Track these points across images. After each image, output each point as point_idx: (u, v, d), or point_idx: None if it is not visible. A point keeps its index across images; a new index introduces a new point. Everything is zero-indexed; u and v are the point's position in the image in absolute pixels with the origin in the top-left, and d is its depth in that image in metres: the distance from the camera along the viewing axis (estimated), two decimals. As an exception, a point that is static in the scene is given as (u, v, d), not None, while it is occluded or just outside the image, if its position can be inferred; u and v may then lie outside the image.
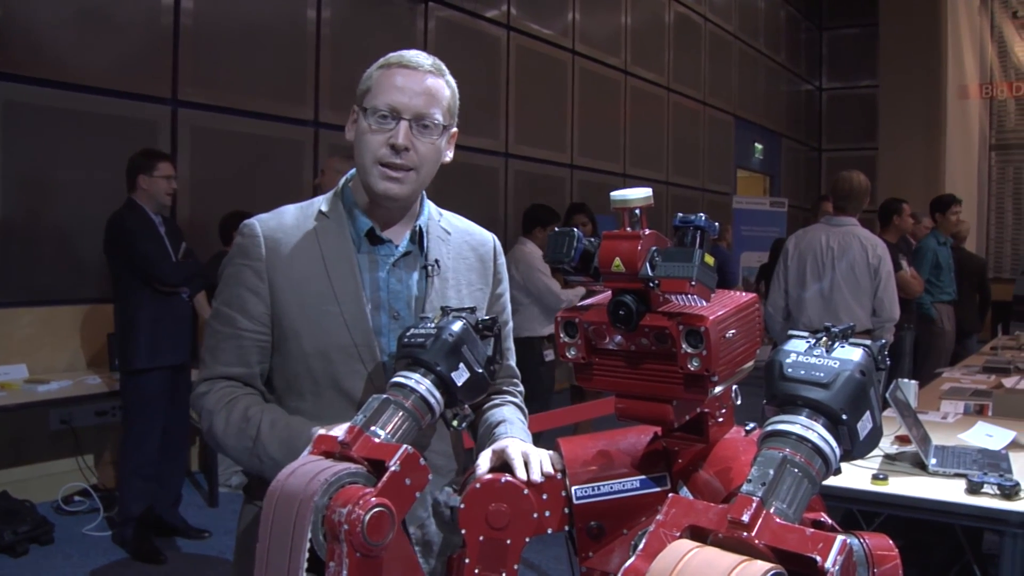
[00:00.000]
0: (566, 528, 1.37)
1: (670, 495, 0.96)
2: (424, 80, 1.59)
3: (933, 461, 2.92)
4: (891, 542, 1.09)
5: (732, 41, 13.59)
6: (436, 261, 1.68)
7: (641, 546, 0.91)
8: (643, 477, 1.36)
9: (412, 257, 1.68)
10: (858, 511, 3.06)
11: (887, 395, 3.01)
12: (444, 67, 1.65)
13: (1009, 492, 2.60)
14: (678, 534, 0.91)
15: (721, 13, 13.11)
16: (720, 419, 1.35)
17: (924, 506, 2.69)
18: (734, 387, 1.34)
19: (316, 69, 6.69)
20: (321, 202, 1.69)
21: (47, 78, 5.06)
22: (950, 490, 2.71)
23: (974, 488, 2.66)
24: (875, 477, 2.81)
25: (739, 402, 1.37)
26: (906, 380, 3.76)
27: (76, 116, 5.19)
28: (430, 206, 1.74)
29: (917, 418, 3.14)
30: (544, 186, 9.19)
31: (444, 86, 1.63)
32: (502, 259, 1.85)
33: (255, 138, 6.24)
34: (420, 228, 1.69)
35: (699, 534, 0.91)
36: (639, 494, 1.36)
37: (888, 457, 3.05)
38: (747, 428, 1.38)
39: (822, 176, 16.68)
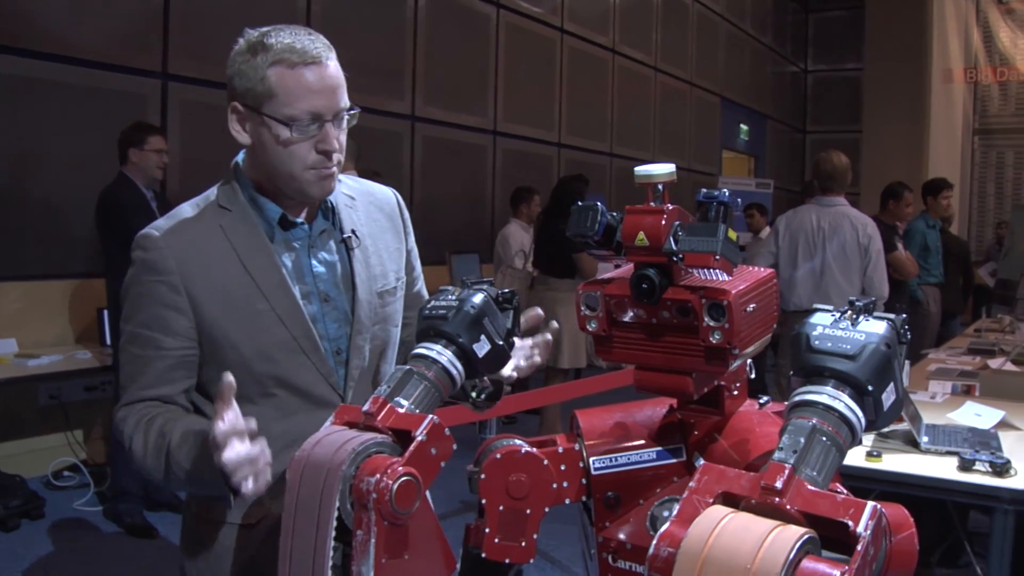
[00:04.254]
0: (583, 498, 1.39)
1: (701, 463, 0.98)
2: (329, 72, 1.50)
3: (925, 439, 2.96)
4: (907, 512, 1.11)
5: (719, 22, 13.60)
6: (353, 232, 1.64)
7: (675, 512, 0.93)
8: (659, 448, 1.38)
9: (327, 234, 1.63)
10: (852, 487, 3.09)
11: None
12: (324, 38, 1.54)
13: (1000, 469, 2.66)
14: (711, 500, 0.93)
15: (709, -7, 13.12)
16: (735, 392, 1.37)
17: (918, 482, 2.73)
18: (748, 361, 1.36)
19: (306, 44, 6.64)
20: (214, 195, 1.60)
21: (36, 50, 5.01)
22: (943, 467, 2.76)
23: (966, 465, 2.71)
24: (869, 454, 2.86)
25: (753, 375, 1.39)
26: (897, 360, 3.80)
27: (65, 89, 5.14)
28: None
29: (910, 399, 3.18)
30: (532, 164, 9.19)
31: (338, 64, 1.53)
32: (407, 212, 1.79)
33: (245, 113, 6.20)
34: (331, 204, 1.63)
35: (731, 500, 0.93)
36: (655, 465, 1.37)
37: (881, 435, 3.09)
38: (761, 401, 1.42)
39: (806, 158, 16.75)
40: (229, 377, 1.29)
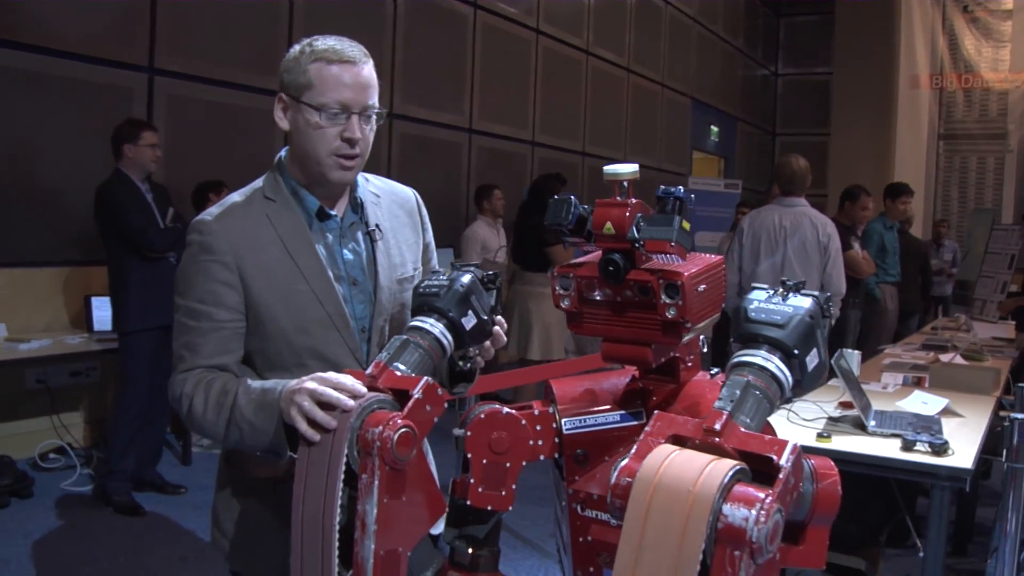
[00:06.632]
0: (556, 455, 1.59)
1: (655, 412, 1.18)
2: (363, 72, 1.71)
3: (872, 423, 3.18)
4: (832, 463, 1.31)
5: (691, 24, 13.81)
6: (377, 226, 1.84)
7: (633, 451, 1.12)
8: (623, 412, 1.57)
9: (355, 226, 1.83)
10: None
11: (832, 363, 3.27)
12: (363, 47, 1.76)
13: (939, 449, 2.89)
14: (662, 441, 1.13)
15: (682, -3, 13.34)
16: (689, 364, 1.56)
17: (863, 461, 2.96)
18: (701, 337, 1.56)
19: (289, 41, 6.79)
20: (260, 186, 1.80)
21: (23, 42, 5.12)
22: (887, 447, 2.99)
23: (908, 446, 2.94)
24: (819, 435, 3.08)
25: (706, 350, 1.59)
26: (849, 350, 4.04)
27: (53, 81, 5.25)
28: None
29: (860, 387, 3.40)
30: (506, 162, 9.38)
31: (373, 71, 1.74)
32: (424, 210, 2.01)
33: (229, 107, 6.35)
34: (360, 199, 1.84)
35: (679, 441, 1.13)
36: (619, 427, 1.57)
37: (832, 419, 3.31)
38: (712, 372, 1.62)
39: (775, 159, 17.03)
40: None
